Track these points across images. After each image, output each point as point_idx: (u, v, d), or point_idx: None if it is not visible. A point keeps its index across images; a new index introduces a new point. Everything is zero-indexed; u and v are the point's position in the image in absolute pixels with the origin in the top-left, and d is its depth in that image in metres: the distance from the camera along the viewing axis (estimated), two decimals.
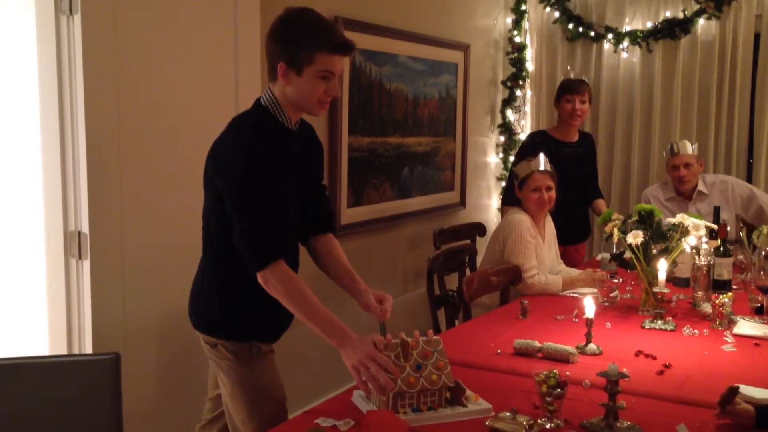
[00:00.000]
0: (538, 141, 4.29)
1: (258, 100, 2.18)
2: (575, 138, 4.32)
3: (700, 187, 4.11)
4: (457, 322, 3.43)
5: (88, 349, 2.58)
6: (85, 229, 2.55)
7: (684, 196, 4.13)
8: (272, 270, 2.03)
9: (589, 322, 2.46)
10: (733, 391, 1.85)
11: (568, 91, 4.21)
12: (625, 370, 1.92)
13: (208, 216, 2.18)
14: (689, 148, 4.07)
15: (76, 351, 2.60)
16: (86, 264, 2.56)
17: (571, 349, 2.38)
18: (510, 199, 4.30)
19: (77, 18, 2.47)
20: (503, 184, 5.35)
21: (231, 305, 2.18)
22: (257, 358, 2.18)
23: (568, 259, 3.98)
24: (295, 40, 2.04)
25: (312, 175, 2.32)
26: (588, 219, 4.52)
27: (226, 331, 2.18)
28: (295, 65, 2.05)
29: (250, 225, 2.02)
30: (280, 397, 2.23)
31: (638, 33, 5.34)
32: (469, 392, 1.97)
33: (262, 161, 2.03)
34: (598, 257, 3.98)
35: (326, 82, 2.07)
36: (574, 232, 4.23)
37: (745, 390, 1.95)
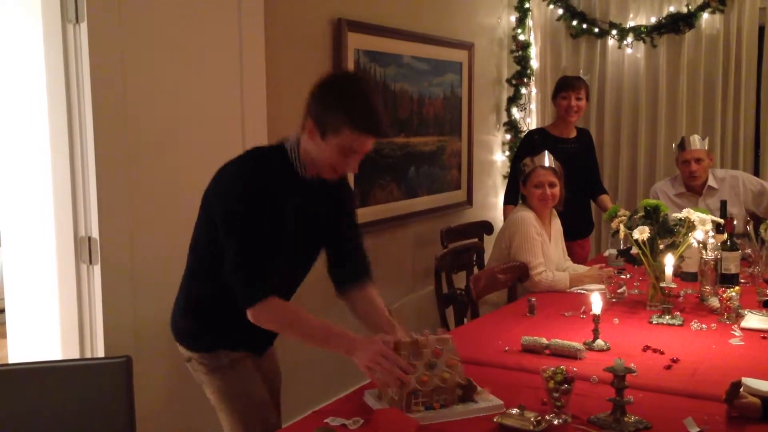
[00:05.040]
0: (536, 138, 4.33)
1: (283, 140, 2.12)
2: (573, 134, 4.35)
3: (710, 182, 4.09)
4: (465, 320, 3.44)
5: (100, 352, 2.60)
6: (95, 234, 2.58)
7: (694, 191, 4.11)
8: (260, 309, 2.00)
9: (596, 318, 2.46)
10: (736, 386, 1.86)
11: (564, 88, 4.26)
12: (632, 365, 1.93)
13: (199, 230, 2.17)
14: (699, 143, 4.05)
15: (88, 355, 2.62)
16: (97, 269, 2.59)
17: (578, 345, 2.38)
18: (510, 198, 4.32)
19: (83, 26, 2.50)
20: None
21: (196, 320, 2.20)
22: (229, 366, 2.17)
23: (573, 255, 3.98)
24: (329, 105, 1.97)
25: (336, 221, 2.25)
26: (590, 214, 4.53)
27: (194, 344, 2.21)
28: (321, 128, 1.98)
29: (242, 260, 1.98)
30: (262, 398, 2.22)
31: (642, 28, 5.34)
32: (480, 389, 1.98)
33: (260, 197, 1.98)
34: (605, 253, 3.99)
35: (347, 157, 2.01)
36: (577, 228, 4.23)
37: (753, 383, 1.95)
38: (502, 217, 5.41)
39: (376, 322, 2.19)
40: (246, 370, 2.21)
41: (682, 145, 4.09)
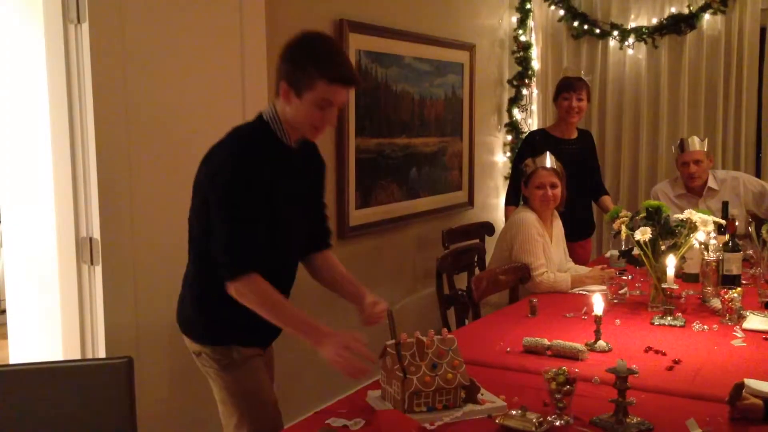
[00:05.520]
0: (537, 139, 4.32)
1: (261, 113, 2.17)
2: (574, 135, 4.34)
3: (711, 183, 4.09)
4: (466, 321, 3.44)
5: (102, 353, 2.60)
6: (97, 235, 2.58)
7: (694, 192, 4.11)
8: (244, 282, 2.03)
9: (598, 319, 2.46)
10: (739, 387, 1.85)
11: (565, 88, 4.25)
12: (634, 366, 1.93)
13: (193, 220, 2.19)
14: (699, 144, 4.05)
15: (89, 355, 2.62)
16: (98, 269, 2.59)
17: (580, 346, 2.38)
18: (511, 199, 4.32)
19: (85, 26, 2.50)
20: None
21: (210, 311, 2.18)
22: (240, 363, 2.18)
23: (575, 256, 3.98)
24: (300, 63, 2.04)
25: (313, 193, 2.33)
26: (592, 215, 4.53)
27: (206, 338, 2.20)
28: (295, 87, 2.04)
29: (228, 235, 2.02)
30: (271, 399, 2.23)
31: (644, 29, 5.33)
32: (483, 390, 1.98)
33: (252, 174, 2.03)
34: (607, 254, 3.98)
35: (323, 110, 2.06)
36: (578, 229, 4.23)
37: (755, 384, 1.95)
38: (504, 219, 5.42)
39: (337, 282, 2.32)
40: (257, 369, 2.22)
41: (682, 147, 4.09)
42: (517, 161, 4.36)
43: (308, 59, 2.03)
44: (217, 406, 2.25)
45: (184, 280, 2.27)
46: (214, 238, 2.05)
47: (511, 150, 5.60)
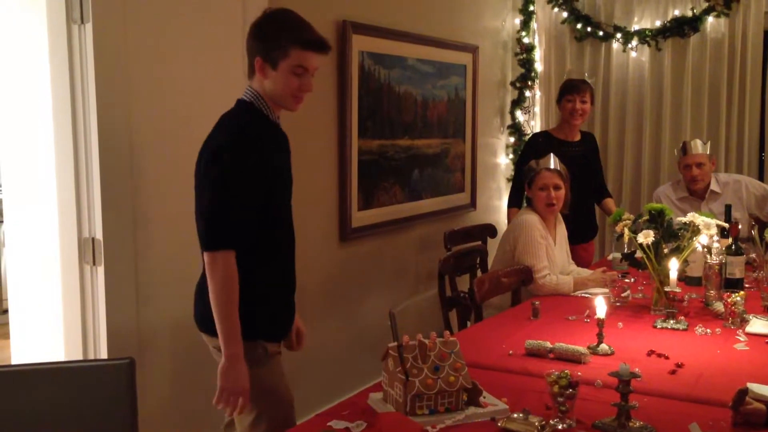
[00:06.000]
0: (540, 141, 4.32)
1: (239, 99, 2.23)
2: (577, 137, 4.34)
3: (713, 186, 4.08)
4: (468, 324, 3.43)
5: (103, 354, 2.60)
6: (99, 235, 2.58)
7: (696, 195, 4.11)
8: (223, 255, 2.05)
9: (600, 322, 2.46)
10: (743, 393, 1.85)
11: (569, 91, 4.24)
12: (637, 369, 1.92)
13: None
14: (701, 147, 4.05)
15: (91, 356, 2.62)
16: (100, 270, 2.59)
17: (582, 349, 2.38)
18: (514, 201, 4.32)
19: (88, 27, 2.50)
20: None
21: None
22: (265, 360, 2.19)
23: (578, 259, 3.98)
24: (271, 35, 2.14)
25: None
26: (594, 217, 4.52)
27: None
28: (270, 59, 2.13)
29: (221, 206, 2.06)
30: (288, 398, 2.25)
31: (647, 32, 5.33)
32: (485, 393, 1.97)
33: (257, 145, 2.11)
34: (609, 257, 3.98)
35: (300, 77, 2.15)
36: (581, 231, 4.22)
37: (758, 388, 1.95)
38: (506, 221, 5.42)
39: None
40: (277, 367, 2.24)
41: (684, 150, 4.08)
42: (519, 163, 4.36)
43: (280, 30, 2.14)
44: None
45: (202, 277, 2.25)
46: (203, 205, 2.10)
47: (514, 152, 5.60)
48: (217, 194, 2.07)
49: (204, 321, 2.22)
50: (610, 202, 4.41)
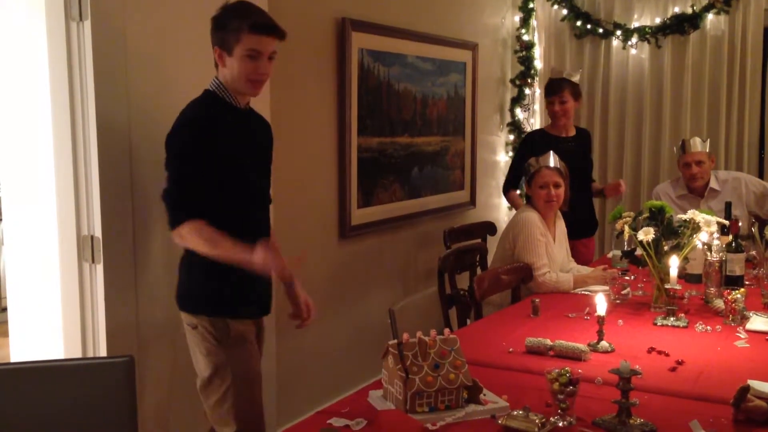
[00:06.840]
0: (536, 138, 4.36)
1: (205, 89, 2.33)
2: (572, 133, 4.36)
3: (713, 184, 4.09)
4: (468, 321, 3.43)
5: (103, 352, 2.60)
6: (98, 233, 2.57)
7: (696, 193, 4.11)
8: (185, 227, 2.18)
9: (600, 320, 2.45)
10: (745, 390, 1.85)
11: (547, 93, 4.32)
12: (637, 367, 1.92)
13: None
14: (700, 145, 4.05)
15: (90, 354, 2.61)
16: (99, 268, 2.58)
17: (582, 346, 2.37)
18: (510, 185, 4.37)
19: (87, 24, 2.49)
20: None
21: (207, 276, 2.28)
22: (236, 340, 2.27)
23: (578, 255, 3.98)
24: (225, 23, 2.24)
25: (267, 154, 2.50)
26: (594, 213, 4.53)
27: (204, 306, 2.28)
28: (226, 47, 2.23)
29: (173, 186, 2.20)
30: (257, 378, 2.34)
31: (647, 29, 5.33)
32: (485, 390, 1.97)
33: (207, 130, 2.21)
34: (609, 254, 3.98)
35: (254, 61, 2.22)
36: (580, 226, 4.22)
37: (759, 385, 1.95)
38: (506, 209, 5.43)
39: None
40: (251, 348, 2.32)
41: (684, 147, 4.09)
42: (517, 160, 4.37)
43: (231, 17, 2.23)
44: (197, 383, 2.33)
45: (182, 259, 2.37)
46: (166, 188, 2.23)
47: (513, 149, 5.60)
48: (170, 177, 2.22)
49: (180, 298, 2.36)
50: (594, 185, 4.47)
